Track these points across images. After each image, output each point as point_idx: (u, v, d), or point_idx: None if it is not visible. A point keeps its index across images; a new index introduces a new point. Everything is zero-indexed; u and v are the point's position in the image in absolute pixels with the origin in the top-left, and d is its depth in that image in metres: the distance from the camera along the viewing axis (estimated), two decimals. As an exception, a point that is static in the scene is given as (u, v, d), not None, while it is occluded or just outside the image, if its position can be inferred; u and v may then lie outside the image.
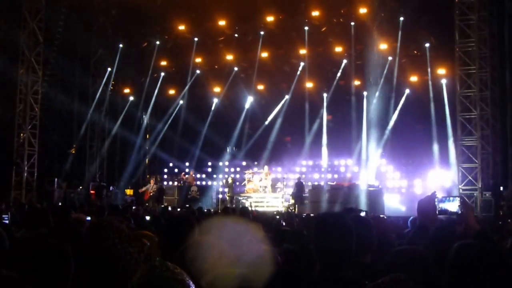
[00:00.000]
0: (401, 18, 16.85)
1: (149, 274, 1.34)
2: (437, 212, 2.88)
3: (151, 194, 18.83)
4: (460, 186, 15.98)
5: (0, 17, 16.91)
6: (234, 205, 17.01)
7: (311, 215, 10.34)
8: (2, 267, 1.59)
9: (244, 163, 22.79)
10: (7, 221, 5.57)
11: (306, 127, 21.43)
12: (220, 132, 22.47)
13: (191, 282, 1.36)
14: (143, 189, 19.33)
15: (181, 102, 23.06)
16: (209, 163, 23.83)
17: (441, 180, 17.34)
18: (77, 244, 3.05)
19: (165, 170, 24.32)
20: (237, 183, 21.22)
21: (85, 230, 4.70)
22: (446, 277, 2.23)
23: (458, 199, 2.91)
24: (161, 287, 1.31)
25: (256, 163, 21.82)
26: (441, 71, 17.89)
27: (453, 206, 2.87)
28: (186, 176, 20.98)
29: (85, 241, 2.20)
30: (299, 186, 17.75)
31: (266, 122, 21.66)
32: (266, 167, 19.97)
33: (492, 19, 15.70)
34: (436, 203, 2.88)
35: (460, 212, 2.85)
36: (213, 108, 22.65)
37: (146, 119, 22.37)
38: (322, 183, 19.58)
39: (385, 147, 19.40)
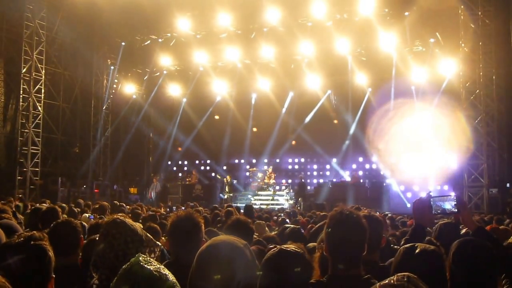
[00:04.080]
0: (406, 13, 16.69)
1: (131, 268, 1.34)
2: (432, 211, 2.90)
3: (156, 192, 18.83)
4: (466, 183, 15.88)
5: (3, 15, 16.89)
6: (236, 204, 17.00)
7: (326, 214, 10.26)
8: None
9: (251, 160, 22.80)
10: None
11: (309, 125, 21.40)
12: (223, 131, 22.47)
13: (174, 280, 1.36)
14: (150, 190, 19.32)
15: (184, 99, 23.03)
16: (208, 161, 23.87)
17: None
18: (75, 242, 3.02)
19: (174, 169, 24.36)
20: (236, 181, 21.27)
21: (89, 227, 4.69)
22: (448, 274, 2.23)
23: (453, 197, 2.93)
24: (142, 282, 1.30)
25: (261, 161, 21.84)
26: (447, 66, 17.72)
27: (449, 205, 2.90)
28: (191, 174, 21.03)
29: (98, 237, 2.20)
30: (302, 185, 17.79)
31: (277, 123, 21.65)
32: (270, 168, 20.04)
33: (498, 13, 15.51)
34: (431, 203, 2.90)
35: (456, 210, 2.87)
36: (214, 104, 22.66)
37: (141, 112, 22.35)
38: (327, 180, 19.57)
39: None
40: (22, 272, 1.95)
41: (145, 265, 1.34)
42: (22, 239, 2.03)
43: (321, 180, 20.84)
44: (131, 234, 2.10)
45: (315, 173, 22.50)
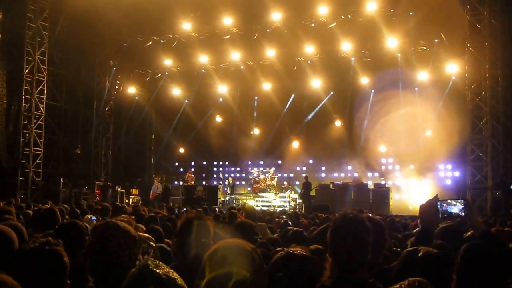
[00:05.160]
0: (411, 13, 16.62)
1: (140, 272, 1.35)
2: (439, 215, 2.88)
3: (157, 194, 18.78)
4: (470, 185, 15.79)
5: (5, 16, 16.91)
6: (238, 205, 16.93)
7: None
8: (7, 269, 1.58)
9: (249, 163, 22.78)
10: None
11: (311, 127, 21.36)
12: (224, 133, 22.45)
13: (183, 283, 1.36)
14: (151, 191, 19.27)
15: (186, 101, 23.02)
16: (215, 163, 23.84)
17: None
18: (81, 244, 2.99)
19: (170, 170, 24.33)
20: (238, 183, 21.25)
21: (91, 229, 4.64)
22: (454, 279, 2.23)
23: (461, 201, 2.91)
24: (150, 286, 1.31)
25: (262, 162, 21.82)
26: (452, 67, 17.62)
27: (456, 208, 2.89)
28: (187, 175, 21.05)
29: (91, 240, 2.25)
30: (307, 186, 17.63)
31: (279, 124, 21.62)
32: (272, 169, 19.99)
33: (504, 13, 15.38)
34: (438, 206, 2.88)
35: (463, 214, 2.85)
36: (215, 106, 22.66)
37: (143, 114, 22.35)
38: (328, 182, 19.48)
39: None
40: (37, 278, 1.94)
41: (154, 269, 1.34)
42: (37, 244, 2.02)
43: (322, 182, 20.75)
44: (124, 236, 2.11)
45: (316, 174, 22.41)
